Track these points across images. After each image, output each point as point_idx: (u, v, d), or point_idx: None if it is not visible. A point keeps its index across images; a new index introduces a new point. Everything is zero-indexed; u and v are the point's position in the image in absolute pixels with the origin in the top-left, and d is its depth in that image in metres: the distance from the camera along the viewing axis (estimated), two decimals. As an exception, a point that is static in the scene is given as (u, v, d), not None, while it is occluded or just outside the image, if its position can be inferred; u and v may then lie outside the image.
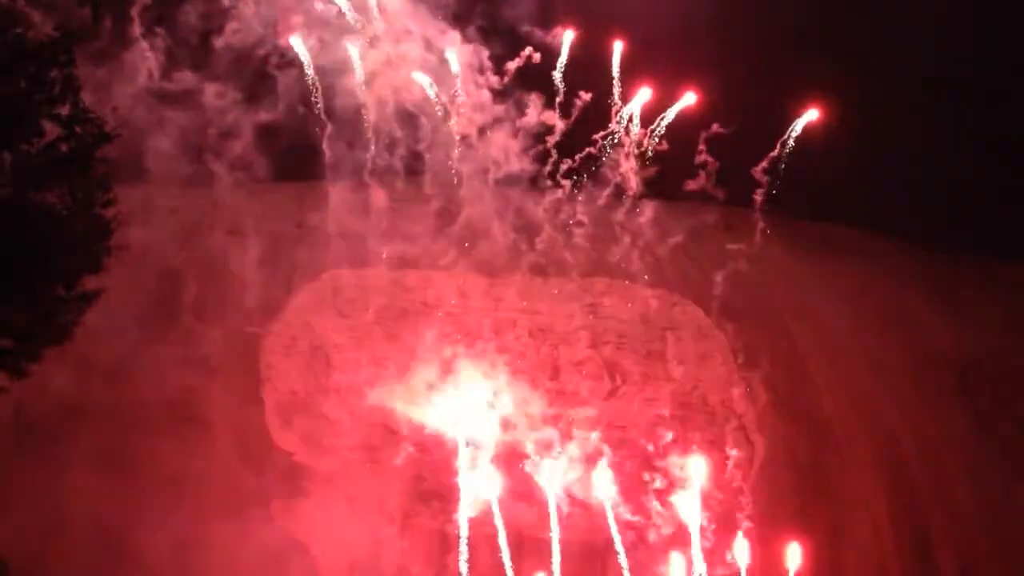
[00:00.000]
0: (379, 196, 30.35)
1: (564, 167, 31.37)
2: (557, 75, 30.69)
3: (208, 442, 28.18)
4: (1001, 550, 30.88)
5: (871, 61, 32.00)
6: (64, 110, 18.44)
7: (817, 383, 33.22)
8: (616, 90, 31.25)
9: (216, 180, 29.13)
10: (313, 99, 29.12)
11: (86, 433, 27.51)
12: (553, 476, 30.50)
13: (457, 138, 30.31)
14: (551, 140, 30.93)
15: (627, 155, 31.61)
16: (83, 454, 27.33)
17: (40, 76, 18.19)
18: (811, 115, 31.13)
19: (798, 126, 31.12)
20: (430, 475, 30.89)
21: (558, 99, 30.75)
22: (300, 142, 29.63)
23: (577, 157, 31.24)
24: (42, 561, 25.11)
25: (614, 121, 31.29)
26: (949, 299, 33.07)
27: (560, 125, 30.80)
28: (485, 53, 29.79)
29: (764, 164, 31.52)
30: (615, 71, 31.20)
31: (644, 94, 31.07)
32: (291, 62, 28.84)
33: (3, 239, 17.36)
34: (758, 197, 31.85)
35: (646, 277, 32.96)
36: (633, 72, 31.40)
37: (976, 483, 31.74)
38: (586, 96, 30.95)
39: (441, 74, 29.90)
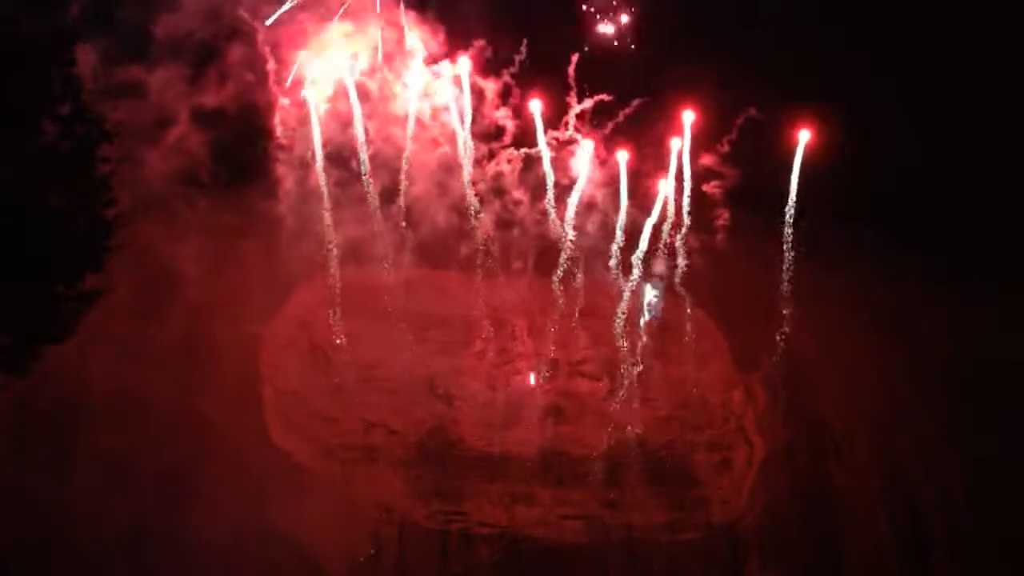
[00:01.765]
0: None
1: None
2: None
3: (207, 442, 28.16)
4: (1000, 552, 30.86)
5: (867, 55, 31.86)
6: (64, 109, 18.50)
7: (816, 384, 33.24)
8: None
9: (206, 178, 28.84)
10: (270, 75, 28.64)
11: (85, 433, 27.49)
12: None
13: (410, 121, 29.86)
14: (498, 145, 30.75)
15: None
16: (82, 453, 27.32)
17: (41, 76, 18.26)
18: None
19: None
20: (429, 475, 30.96)
21: (511, 99, 30.50)
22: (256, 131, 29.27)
23: (523, 151, 30.93)
24: (40, 560, 25.08)
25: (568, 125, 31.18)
26: (949, 299, 33.05)
27: (511, 126, 30.62)
28: (440, 39, 29.44)
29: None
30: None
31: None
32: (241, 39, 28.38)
33: (4, 238, 17.42)
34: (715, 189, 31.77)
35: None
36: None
37: (975, 484, 31.72)
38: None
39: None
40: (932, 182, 32.82)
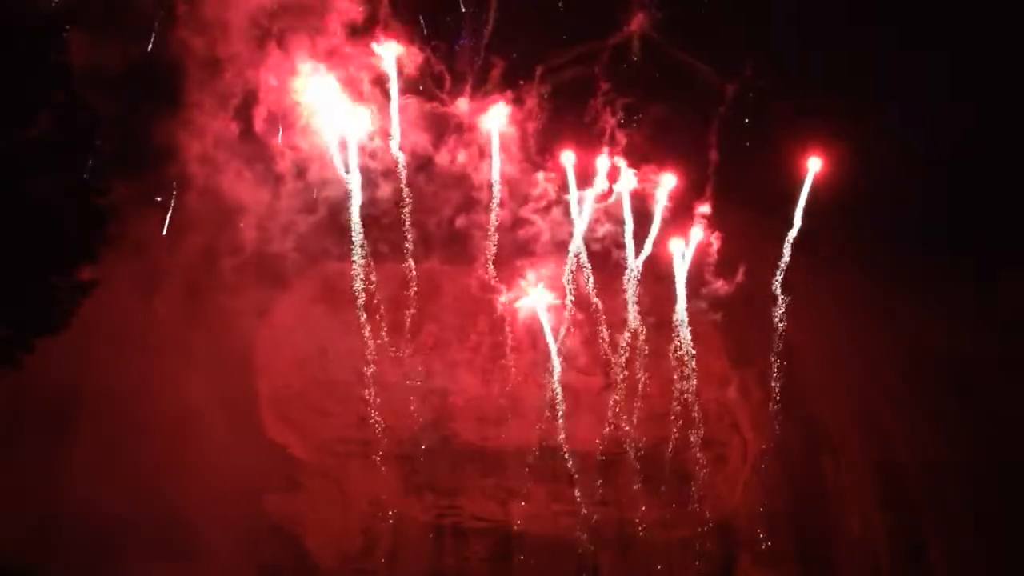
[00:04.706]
0: None
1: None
2: None
3: (202, 435, 28.03)
4: (993, 551, 31.03)
5: (867, 57, 31.87)
6: (58, 97, 18.24)
7: (811, 381, 33.33)
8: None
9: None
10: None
11: (80, 426, 27.39)
12: None
13: None
14: None
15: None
16: (76, 446, 27.22)
17: (34, 62, 18.00)
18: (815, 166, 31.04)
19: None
20: (423, 469, 30.90)
21: None
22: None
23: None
24: (33, 553, 24.91)
25: None
26: (945, 298, 33.16)
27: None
28: None
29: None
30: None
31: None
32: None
33: (-1, 228, 17.20)
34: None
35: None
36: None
37: (969, 483, 31.85)
38: None
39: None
40: (929, 180, 32.92)
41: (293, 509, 29.42)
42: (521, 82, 30.65)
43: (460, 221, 31.02)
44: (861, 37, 32.00)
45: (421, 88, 29.63)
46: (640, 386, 32.08)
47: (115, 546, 26.20)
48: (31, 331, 18.09)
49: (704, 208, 31.30)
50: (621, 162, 30.69)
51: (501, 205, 30.70)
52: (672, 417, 32.25)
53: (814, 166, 30.93)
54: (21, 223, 17.67)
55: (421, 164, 30.04)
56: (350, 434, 30.78)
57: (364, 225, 29.89)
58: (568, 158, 30.39)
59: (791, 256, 32.04)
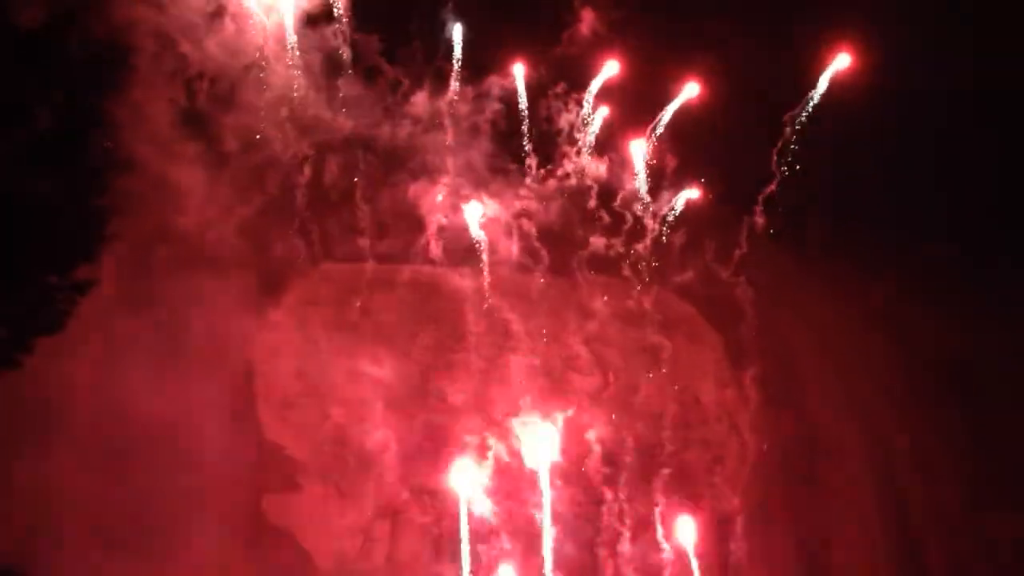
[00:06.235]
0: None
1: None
2: None
3: (199, 435, 27.98)
4: (991, 553, 31.12)
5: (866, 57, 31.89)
6: (58, 97, 18.25)
7: (809, 383, 33.40)
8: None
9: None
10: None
11: (74, 426, 27.23)
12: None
13: None
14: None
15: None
16: (70, 447, 27.05)
17: (33, 63, 18.03)
18: (842, 62, 29.44)
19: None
20: (422, 471, 30.87)
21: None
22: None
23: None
24: (28, 551, 24.86)
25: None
26: (943, 299, 33.22)
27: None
28: None
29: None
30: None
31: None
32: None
33: (-2, 228, 17.21)
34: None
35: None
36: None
37: (967, 485, 31.97)
38: None
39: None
40: (929, 178, 33.01)
41: (291, 510, 29.38)
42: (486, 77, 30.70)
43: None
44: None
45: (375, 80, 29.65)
46: (633, 384, 32.22)
47: (110, 547, 26.14)
48: (29, 331, 18.12)
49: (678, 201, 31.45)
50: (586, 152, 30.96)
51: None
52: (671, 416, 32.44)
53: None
54: (20, 223, 17.68)
55: (367, 144, 30.31)
56: (349, 435, 30.81)
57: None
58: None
59: (782, 249, 32.19)
